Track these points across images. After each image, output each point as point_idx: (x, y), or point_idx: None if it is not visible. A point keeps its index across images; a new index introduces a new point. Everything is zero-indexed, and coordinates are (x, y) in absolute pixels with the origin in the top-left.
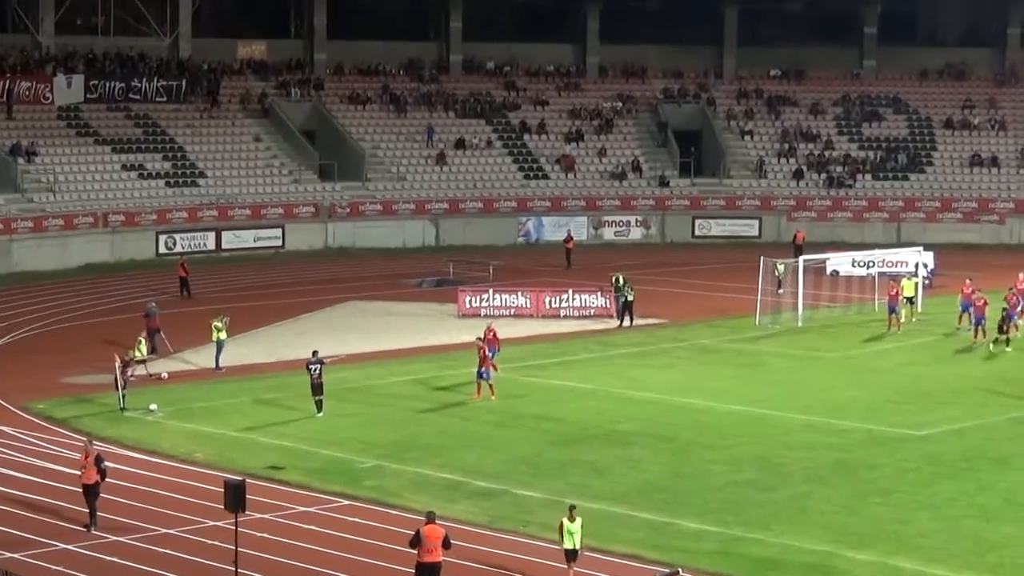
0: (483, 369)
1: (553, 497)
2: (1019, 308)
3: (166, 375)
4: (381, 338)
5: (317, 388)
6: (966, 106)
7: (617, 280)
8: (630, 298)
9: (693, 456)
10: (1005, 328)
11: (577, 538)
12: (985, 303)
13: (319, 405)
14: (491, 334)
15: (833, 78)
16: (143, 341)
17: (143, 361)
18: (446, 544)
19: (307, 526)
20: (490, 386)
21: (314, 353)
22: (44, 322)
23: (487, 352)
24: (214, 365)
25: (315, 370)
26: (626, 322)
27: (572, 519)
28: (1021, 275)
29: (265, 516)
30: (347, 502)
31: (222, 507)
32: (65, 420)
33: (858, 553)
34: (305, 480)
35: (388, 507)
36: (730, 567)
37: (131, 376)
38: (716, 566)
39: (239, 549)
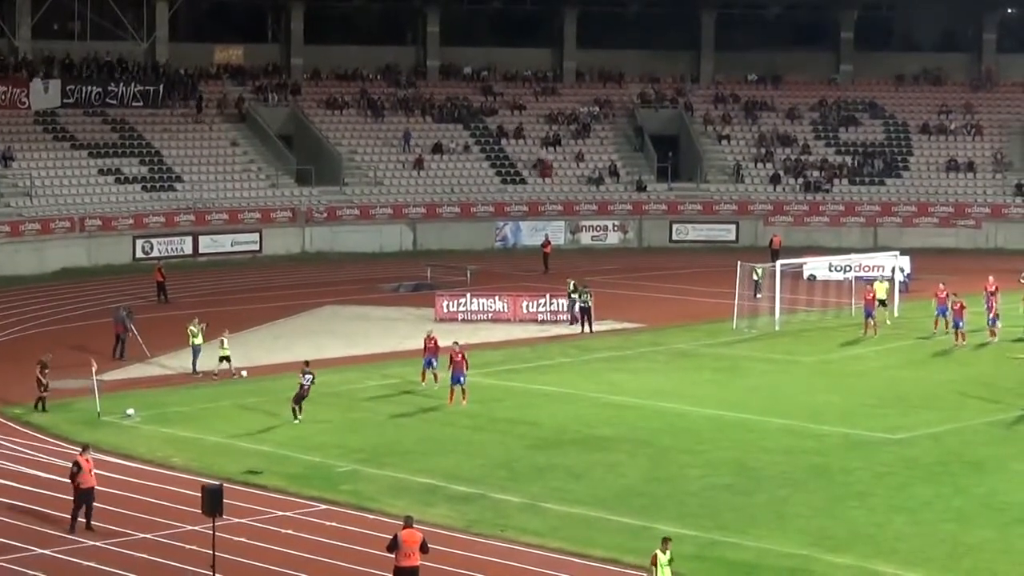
0: (457, 373)
1: (530, 501)
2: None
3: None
4: (358, 342)
5: (302, 397)
6: (942, 111)
7: (571, 286)
8: (588, 304)
9: (670, 460)
10: None
11: (669, 570)
12: (962, 307)
13: (298, 411)
14: (432, 342)
15: (810, 83)
16: (226, 341)
17: (226, 358)
18: (424, 549)
19: (285, 530)
20: (463, 391)
21: (306, 363)
22: (21, 327)
23: (463, 356)
24: (191, 370)
25: (308, 380)
26: (585, 328)
27: (665, 551)
28: (991, 277)
29: (243, 520)
30: (325, 506)
31: (200, 511)
32: (42, 425)
33: (835, 557)
34: (283, 484)
35: (366, 511)
36: (708, 571)
37: (47, 382)
38: (693, 570)
39: (217, 553)
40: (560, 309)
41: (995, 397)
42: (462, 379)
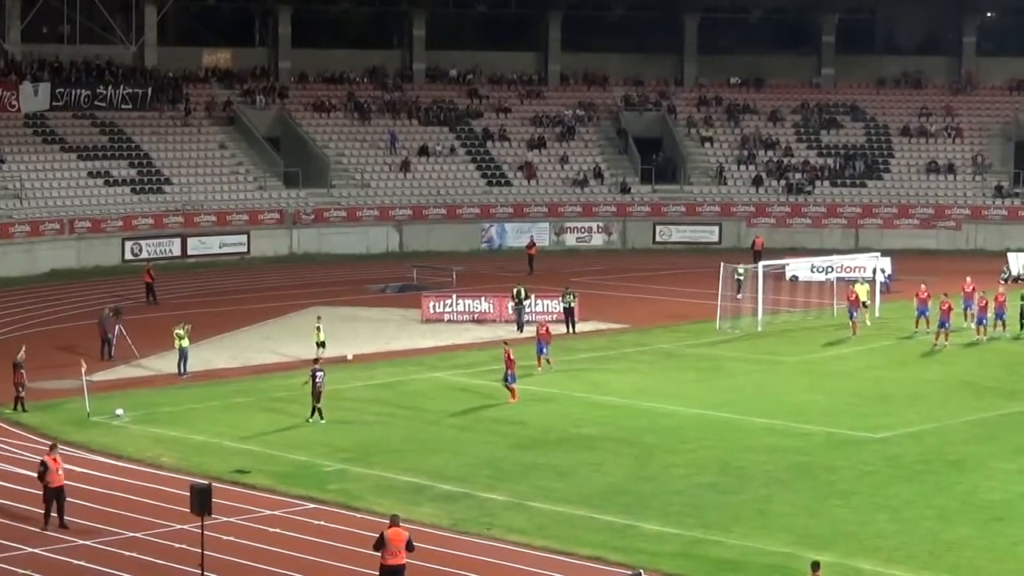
0: (509, 373)
1: (516, 500)
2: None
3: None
4: (345, 343)
5: (318, 396)
6: (923, 114)
7: (521, 291)
8: (572, 305)
9: (655, 459)
10: None
11: None
12: (949, 307)
13: (319, 412)
14: (544, 328)
15: (792, 86)
16: (320, 329)
17: (322, 344)
18: (409, 547)
19: (273, 529)
20: (511, 389)
21: (316, 360)
22: (10, 328)
23: (512, 357)
24: (177, 372)
25: (319, 377)
26: (569, 328)
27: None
28: (968, 279)
29: (231, 519)
30: (312, 505)
31: (188, 511)
32: (32, 425)
33: (818, 555)
34: (271, 484)
35: (353, 510)
36: (691, 569)
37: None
38: (678, 568)
39: (205, 552)
40: (545, 310)
41: (976, 396)
42: (512, 378)
